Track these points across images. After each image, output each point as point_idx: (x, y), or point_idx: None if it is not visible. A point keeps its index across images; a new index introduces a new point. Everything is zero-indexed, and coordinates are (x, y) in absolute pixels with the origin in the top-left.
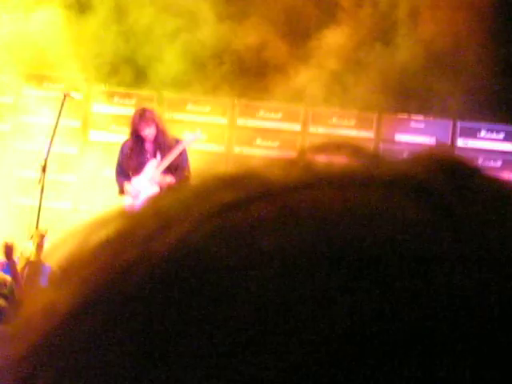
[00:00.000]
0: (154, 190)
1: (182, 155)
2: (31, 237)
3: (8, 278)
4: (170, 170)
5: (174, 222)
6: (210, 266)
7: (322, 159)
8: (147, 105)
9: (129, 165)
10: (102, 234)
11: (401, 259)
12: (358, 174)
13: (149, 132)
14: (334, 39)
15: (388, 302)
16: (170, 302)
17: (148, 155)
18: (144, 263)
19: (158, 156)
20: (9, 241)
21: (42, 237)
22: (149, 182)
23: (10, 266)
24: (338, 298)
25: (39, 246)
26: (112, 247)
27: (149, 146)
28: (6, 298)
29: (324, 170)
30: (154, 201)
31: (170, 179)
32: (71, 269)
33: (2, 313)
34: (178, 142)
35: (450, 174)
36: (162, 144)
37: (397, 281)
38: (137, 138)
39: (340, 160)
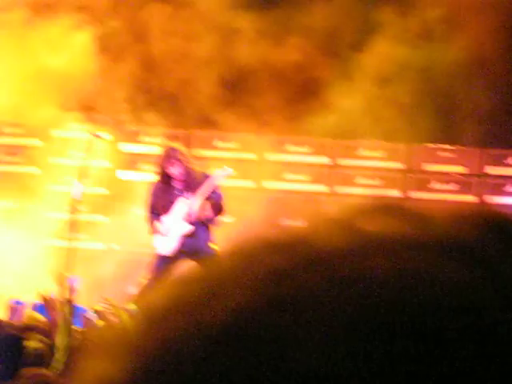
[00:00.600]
0: (184, 228)
1: (215, 191)
2: (63, 279)
3: (41, 318)
4: (204, 206)
5: (226, 289)
6: (263, 336)
7: (368, 221)
8: (173, 144)
9: (158, 204)
10: (166, 299)
11: (455, 323)
12: (407, 237)
13: (175, 170)
14: (363, 70)
15: (444, 349)
16: (224, 369)
17: (177, 193)
18: (197, 333)
19: (187, 194)
20: (48, 294)
21: (74, 280)
22: (179, 220)
23: (47, 311)
24: (398, 361)
25: (72, 289)
26: (169, 313)
27: (177, 184)
28: (43, 341)
29: (372, 233)
30: (205, 266)
31: (208, 213)
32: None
33: (41, 356)
34: (206, 176)
35: (497, 233)
36: (191, 181)
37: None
38: (164, 177)
39: (387, 221)
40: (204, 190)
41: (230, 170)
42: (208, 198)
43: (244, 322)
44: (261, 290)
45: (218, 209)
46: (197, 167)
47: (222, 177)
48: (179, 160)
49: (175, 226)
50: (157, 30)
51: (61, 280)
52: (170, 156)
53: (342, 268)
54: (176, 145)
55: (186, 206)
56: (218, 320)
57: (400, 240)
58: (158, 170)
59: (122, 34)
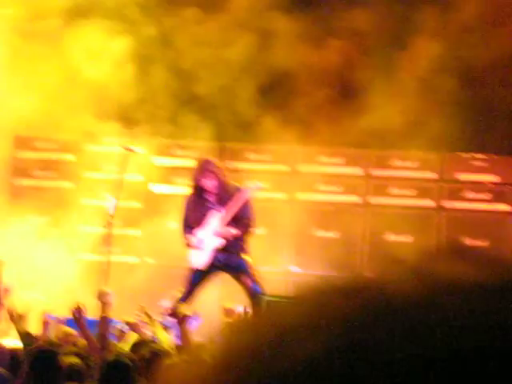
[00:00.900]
0: (218, 242)
1: (246, 205)
2: (99, 294)
3: (73, 332)
4: (234, 220)
5: (298, 335)
6: (336, 382)
7: (439, 265)
8: (207, 156)
9: (192, 217)
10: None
11: None
12: (484, 283)
13: (209, 183)
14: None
15: None
16: None
17: (210, 207)
18: (269, 379)
19: (221, 207)
20: (78, 305)
21: (108, 294)
22: (213, 234)
23: (80, 327)
24: None
25: (107, 304)
26: (241, 358)
27: (211, 198)
28: (79, 355)
29: (444, 278)
30: (277, 311)
31: (234, 231)
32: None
33: (77, 371)
34: (239, 190)
35: None
36: (224, 195)
37: None
38: (198, 190)
39: (458, 265)
40: (235, 203)
41: (260, 184)
42: (239, 213)
43: (316, 368)
44: (333, 337)
45: (247, 224)
46: (230, 180)
47: (253, 191)
48: (213, 172)
49: (208, 239)
50: (191, 36)
51: (98, 295)
52: (203, 168)
53: (414, 314)
54: (210, 157)
55: (217, 220)
56: (290, 366)
57: (472, 284)
58: (192, 182)
59: (156, 41)
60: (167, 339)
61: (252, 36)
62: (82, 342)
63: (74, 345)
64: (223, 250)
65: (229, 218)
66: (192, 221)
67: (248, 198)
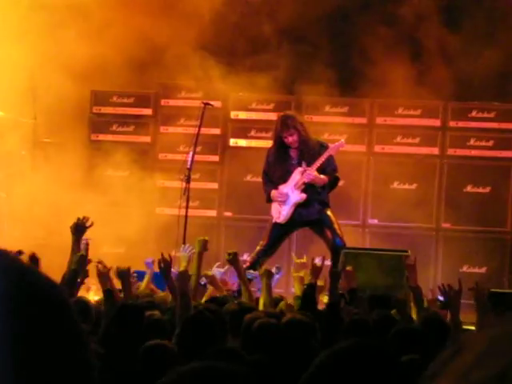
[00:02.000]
0: (300, 196)
1: (330, 159)
2: (194, 246)
3: (153, 286)
4: (320, 172)
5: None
6: None
7: None
8: (288, 111)
9: (274, 173)
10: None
11: None
12: None
13: (292, 139)
14: None
15: None
16: None
17: (293, 162)
18: None
19: (302, 162)
20: (166, 257)
21: (186, 249)
22: (295, 189)
23: (167, 280)
24: None
25: (200, 255)
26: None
27: (293, 153)
28: (161, 310)
29: None
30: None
31: (324, 177)
32: None
33: (163, 326)
34: (322, 146)
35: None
36: (306, 150)
37: None
38: (280, 145)
39: None
40: (319, 159)
41: (343, 141)
42: (322, 168)
43: None
44: None
45: (331, 179)
46: (312, 136)
47: (336, 147)
48: (295, 127)
49: (290, 194)
50: None
51: (199, 246)
52: (285, 123)
53: None
54: (292, 112)
55: (300, 175)
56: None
57: None
58: (274, 138)
59: None
60: (249, 292)
61: None
62: (160, 296)
63: (159, 301)
64: (305, 204)
65: (314, 172)
66: (274, 176)
67: (332, 153)
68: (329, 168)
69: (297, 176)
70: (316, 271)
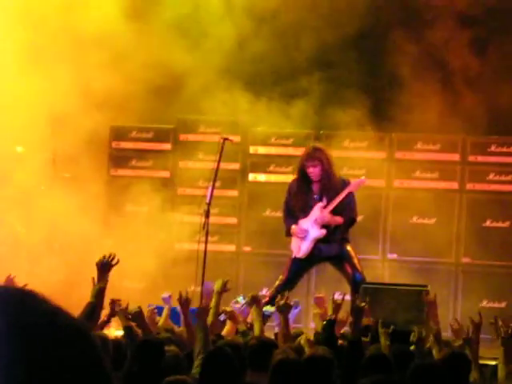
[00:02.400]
0: (320, 232)
1: (349, 197)
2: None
3: (170, 322)
4: (338, 210)
5: None
6: None
7: None
8: (317, 143)
9: (295, 205)
10: None
11: None
12: None
13: (314, 170)
14: None
15: None
16: None
17: (314, 196)
18: None
19: (324, 198)
20: (186, 294)
21: (208, 284)
22: (315, 224)
23: (184, 316)
24: None
25: (208, 293)
26: None
27: (315, 187)
28: (180, 346)
29: None
30: None
31: (339, 219)
32: None
33: (181, 362)
34: (344, 183)
35: None
36: (328, 185)
37: None
38: (303, 176)
39: None
40: (338, 196)
41: (364, 179)
42: (340, 209)
43: None
44: None
45: (347, 221)
46: (336, 171)
47: (357, 184)
48: (320, 160)
49: (310, 229)
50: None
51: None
52: (311, 156)
53: None
54: (322, 145)
55: (320, 211)
56: None
57: None
58: (298, 168)
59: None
60: (261, 328)
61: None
62: (179, 331)
63: (176, 336)
64: (325, 240)
65: (332, 208)
66: (295, 208)
67: (352, 190)
68: (346, 208)
69: (317, 211)
70: (336, 307)
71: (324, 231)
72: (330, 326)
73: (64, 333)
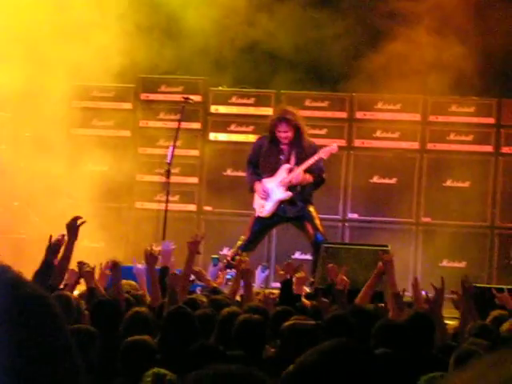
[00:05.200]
0: (286, 194)
1: (318, 164)
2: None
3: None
4: (307, 171)
5: None
6: None
7: None
8: (286, 106)
9: (263, 165)
10: None
11: None
12: None
13: (285, 135)
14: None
15: None
16: None
17: (281, 157)
18: None
19: (292, 160)
20: (152, 252)
21: (168, 245)
22: (281, 186)
23: (149, 273)
24: None
25: (166, 253)
26: None
27: (284, 148)
28: (144, 306)
29: None
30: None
31: (309, 178)
32: None
33: (145, 321)
34: (314, 148)
35: None
36: (298, 148)
37: None
38: (273, 138)
39: None
40: (308, 161)
41: (335, 146)
42: (310, 170)
43: None
44: None
45: (317, 180)
46: (307, 135)
47: (328, 151)
48: (293, 125)
49: (275, 190)
50: None
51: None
52: (283, 120)
53: None
54: (291, 108)
55: (287, 173)
56: None
57: None
58: (269, 130)
59: None
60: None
61: None
62: (143, 292)
63: (136, 295)
64: (289, 201)
65: (301, 172)
66: (262, 168)
67: (322, 157)
68: (316, 169)
69: (283, 173)
70: (287, 266)
71: (290, 193)
72: (287, 285)
73: (24, 303)
